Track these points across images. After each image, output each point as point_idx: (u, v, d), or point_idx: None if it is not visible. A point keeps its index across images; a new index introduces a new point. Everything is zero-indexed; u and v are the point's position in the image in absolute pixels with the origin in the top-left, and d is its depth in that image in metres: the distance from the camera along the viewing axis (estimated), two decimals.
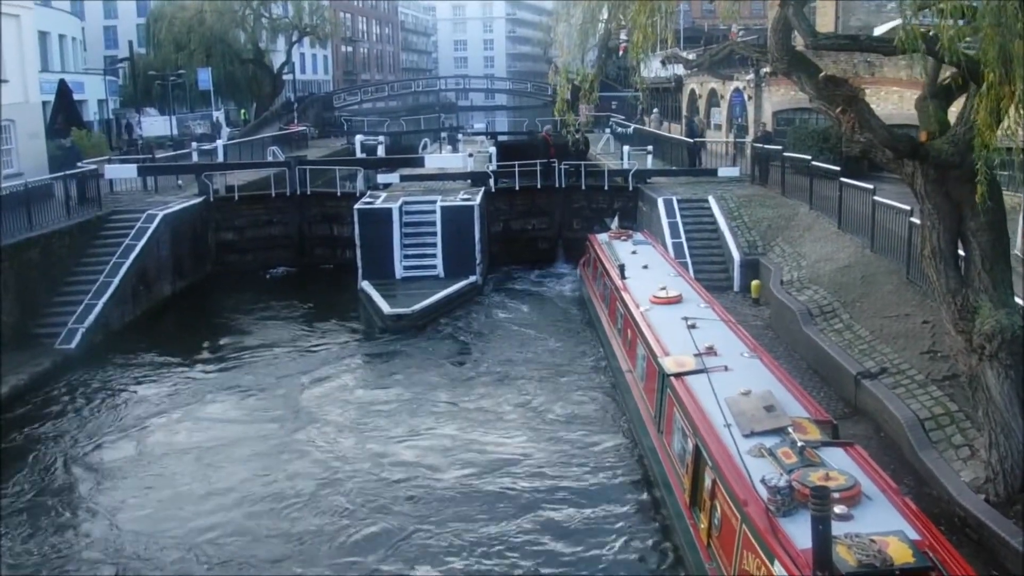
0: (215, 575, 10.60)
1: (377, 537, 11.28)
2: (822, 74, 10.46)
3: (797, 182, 23.16)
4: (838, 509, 7.13)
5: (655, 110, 44.11)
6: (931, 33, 8.84)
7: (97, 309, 19.56)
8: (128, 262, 21.22)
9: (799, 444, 8.32)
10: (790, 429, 8.73)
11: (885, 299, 15.44)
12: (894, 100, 24.48)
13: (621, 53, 44.41)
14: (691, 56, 37.86)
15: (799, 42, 13.00)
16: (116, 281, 20.51)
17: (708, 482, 8.83)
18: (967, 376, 10.46)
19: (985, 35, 8.04)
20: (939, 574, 6.51)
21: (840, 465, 8.05)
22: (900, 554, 6.58)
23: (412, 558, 10.75)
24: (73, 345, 18.49)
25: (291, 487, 12.68)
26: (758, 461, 8.25)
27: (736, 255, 20.83)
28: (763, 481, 7.60)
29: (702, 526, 8.89)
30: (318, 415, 15.58)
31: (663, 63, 39.62)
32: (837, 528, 6.79)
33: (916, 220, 13.47)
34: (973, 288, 10.18)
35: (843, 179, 19.42)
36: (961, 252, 10.59)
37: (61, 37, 41.57)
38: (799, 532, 6.95)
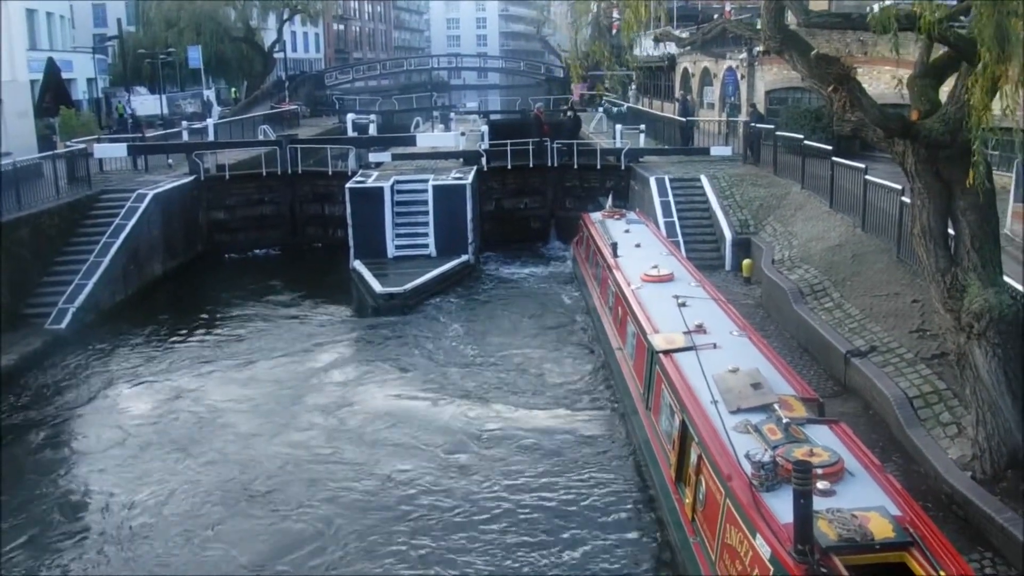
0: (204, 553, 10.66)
1: (362, 513, 11.34)
2: (814, 52, 10.41)
3: (789, 161, 23.14)
4: (821, 485, 7.18)
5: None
6: (915, 12, 8.81)
7: (87, 289, 19.50)
8: (118, 242, 21.14)
9: (784, 421, 8.37)
10: (776, 406, 8.77)
11: (875, 278, 15.48)
12: (887, 79, 24.37)
13: (614, 31, 44.26)
14: (684, 35, 37.67)
15: (792, 21, 12.95)
16: (106, 261, 20.45)
17: (694, 457, 8.89)
18: (955, 354, 10.50)
19: (980, 13, 8.00)
20: (919, 549, 6.56)
21: (824, 442, 8.10)
22: (880, 529, 6.64)
23: (399, 533, 10.80)
24: (63, 325, 18.44)
25: (274, 467, 12.69)
26: (743, 437, 8.30)
27: (728, 234, 20.84)
28: (747, 456, 7.64)
29: (687, 501, 8.96)
30: (307, 395, 15.58)
31: (655, 41, 39.43)
32: (819, 503, 6.84)
33: (907, 199, 13.49)
34: (962, 267, 10.20)
35: (835, 158, 19.41)
36: (951, 231, 10.61)
37: (49, 15, 41.17)
38: (782, 507, 7.00)
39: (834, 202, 19.26)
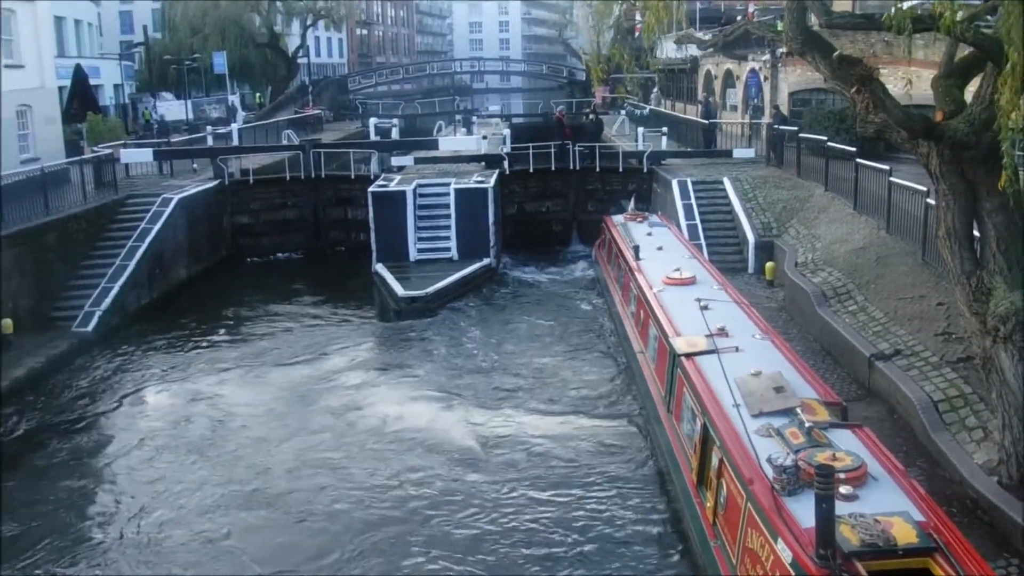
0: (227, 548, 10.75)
1: (378, 520, 11.38)
2: (836, 54, 10.35)
3: (813, 163, 22.98)
4: (843, 489, 7.12)
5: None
6: (931, 12, 8.73)
7: (113, 292, 19.74)
8: (144, 246, 21.38)
9: (807, 425, 8.29)
10: (799, 410, 8.70)
11: (900, 281, 15.33)
12: (914, 80, 24.14)
13: (637, 34, 44.25)
14: (706, 36, 37.53)
15: (815, 22, 12.87)
16: (132, 265, 20.69)
17: (715, 461, 8.84)
18: (981, 358, 10.38)
19: (1007, 12, 7.91)
20: (943, 555, 6.48)
21: (848, 446, 8.02)
22: (904, 534, 6.56)
23: (415, 540, 10.83)
24: (90, 328, 18.68)
25: (293, 471, 12.77)
26: (765, 441, 8.24)
27: (751, 237, 20.71)
28: (769, 460, 7.59)
29: (708, 505, 8.91)
30: (329, 398, 15.66)
31: (677, 43, 39.31)
32: (842, 508, 6.78)
33: (932, 201, 13.34)
34: (988, 269, 10.08)
35: (859, 160, 19.25)
36: (976, 233, 10.49)
37: (77, 22, 41.71)
38: (803, 511, 6.95)
39: (858, 204, 19.09)
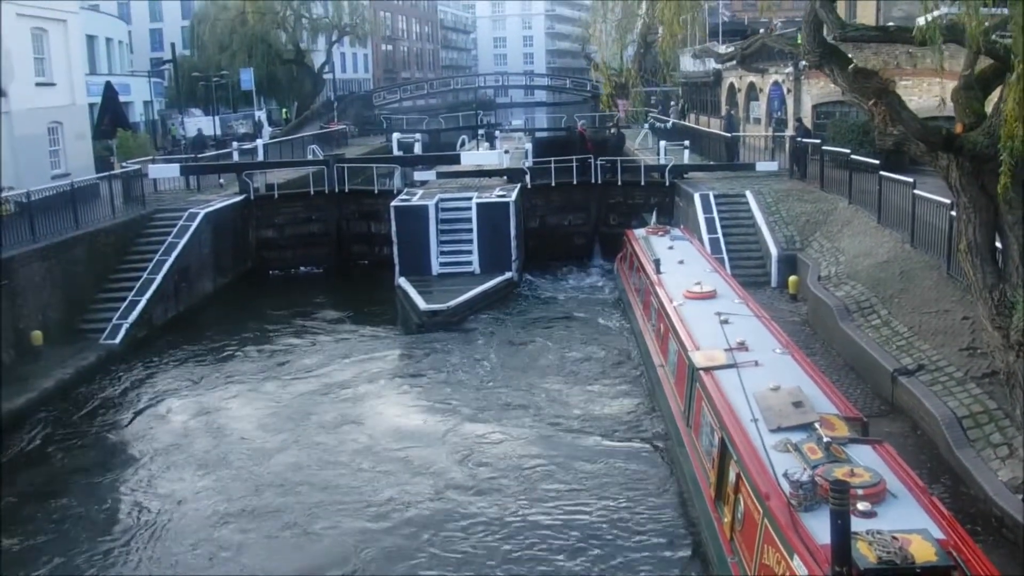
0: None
1: (398, 528, 11.43)
2: (851, 66, 10.34)
3: (836, 176, 22.85)
4: (861, 506, 7.05)
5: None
6: (955, 23, 8.71)
7: (140, 305, 20.03)
8: (170, 259, 21.69)
9: (825, 440, 8.23)
10: (817, 425, 8.63)
11: (924, 295, 15.17)
12: (936, 91, 23.93)
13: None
14: (726, 50, 37.49)
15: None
16: (159, 278, 20.98)
17: (732, 476, 8.80)
18: (1005, 373, 10.27)
19: (1016, 24, 7.88)
20: (962, 574, 6.40)
21: (867, 462, 7.95)
22: (922, 552, 6.47)
23: (437, 554, 10.86)
24: (117, 340, 18.95)
25: (317, 485, 12.84)
26: (783, 456, 8.19)
27: (773, 250, 20.59)
28: (786, 475, 7.53)
29: (725, 520, 8.86)
30: (351, 411, 15.76)
31: (695, 57, 39.29)
32: (860, 525, 6.72)
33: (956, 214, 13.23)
34: (1011, 283, 9.99)
35: (883, 172, 19.10)
36: (999, 245, 10.39)
37: (108, 40, 42.61)
38: (820, 527, 6.89)
39: (882, 217, 18.93)
